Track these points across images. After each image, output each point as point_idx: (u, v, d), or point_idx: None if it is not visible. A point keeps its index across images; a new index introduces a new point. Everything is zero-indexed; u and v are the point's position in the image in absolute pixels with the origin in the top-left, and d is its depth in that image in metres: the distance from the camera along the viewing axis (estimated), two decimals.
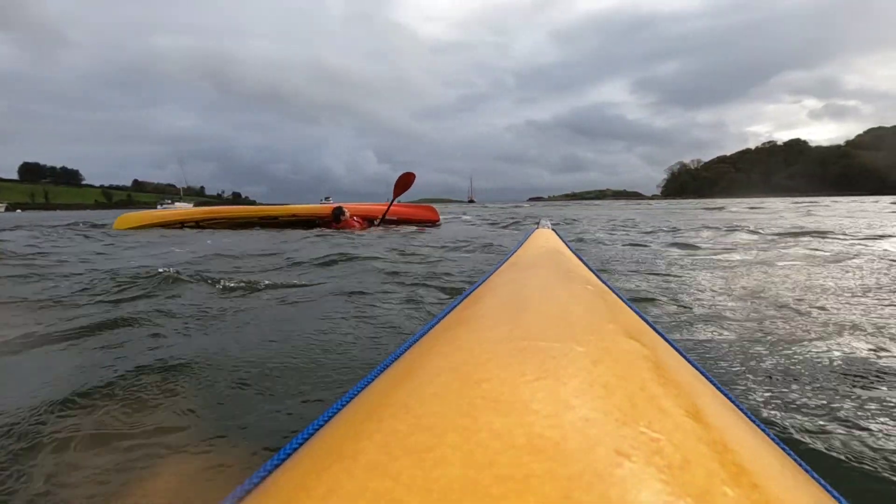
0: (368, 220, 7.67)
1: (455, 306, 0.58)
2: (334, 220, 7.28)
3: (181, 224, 7.70)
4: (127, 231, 7.22)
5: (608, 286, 0.74)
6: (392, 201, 7.74)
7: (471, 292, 0.66)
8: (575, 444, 0.24)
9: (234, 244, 4.86)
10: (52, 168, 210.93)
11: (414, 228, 7.21)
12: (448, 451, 0.24)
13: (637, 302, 2.18)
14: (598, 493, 0.21)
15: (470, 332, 0.42)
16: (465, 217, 12.83)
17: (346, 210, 7.33)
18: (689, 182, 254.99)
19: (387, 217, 7.79)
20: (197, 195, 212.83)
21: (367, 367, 1.29)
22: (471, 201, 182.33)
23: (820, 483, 0.34)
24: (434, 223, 8.48)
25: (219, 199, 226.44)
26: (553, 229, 1.54)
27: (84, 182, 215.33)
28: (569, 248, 1.16)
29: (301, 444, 0.32)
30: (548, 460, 0.23)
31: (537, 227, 1.58)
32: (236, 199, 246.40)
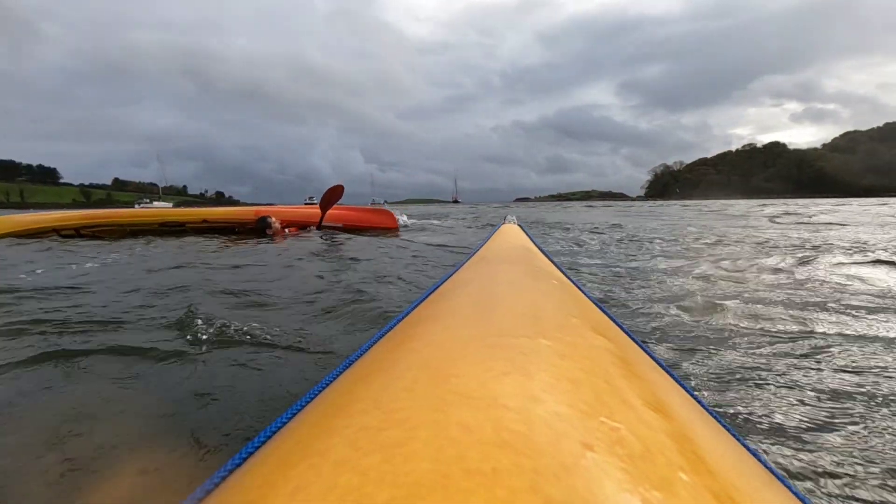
0: (302, 228, 6.62)
1: (423, 300, 0.59)
2: (259, 231, 6.12)
3: (55, 231, 6.05)
4: None
5: (573, 282, 0.76)
6: (323, 214, 6.75)
7: (438, 286, 0.66)
8: (542, 437, 0.25)
9: (73, 274, 2.92)
10: (29, 166, 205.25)
11: (337, 245, 5.04)
12: (418, 446, 0.24)
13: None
14: (565, 484, 0.22)
15: (440, 327, 0.42)
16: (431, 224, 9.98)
17: (273, 220, 6.12)
18: (672, 183, 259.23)
19: (325, 224, 6.77)
20: (178, 194, 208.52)
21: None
22: (455, 202, 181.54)
23: (768, 468, 0.35)
24: (390, 230, 7.18)
25: (201, 199, 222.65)
26: (519, 225, 1.58)
27: (62, 180, 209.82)
28: (534, 243, 1.18)
29: (266, 441, 0.31)
30: (516, 454, 0.23)
31: (504, 223, 1.62)
32: (219, 198, 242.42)
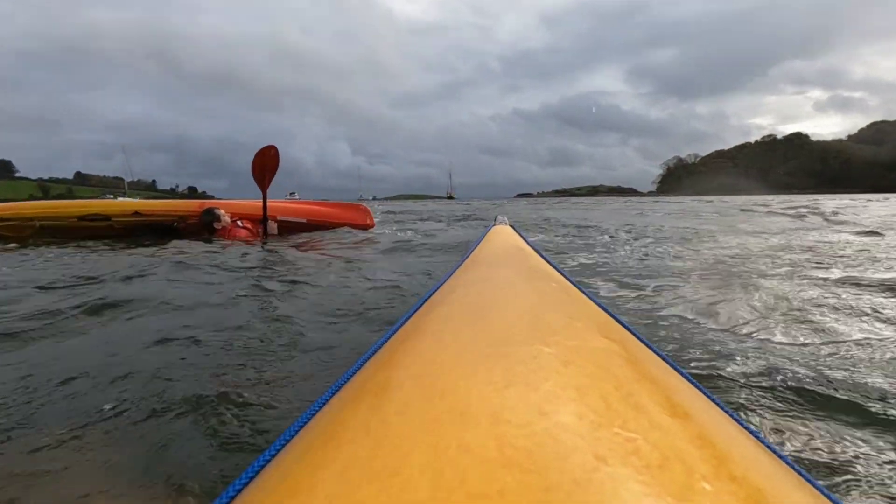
0: (263, 224, 5.15)
1: (415, 311, 0.56)
2: (205, 227, 4.79)
3: None
4: None
5: (572, 282, 0.73)
6: (265, 194, 5.05)
7: (431, 295, 0.63)
8: (550, 452, 0.23)
9: None
10: None
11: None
12: (414, 473, 0.23)
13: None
14: (578, 500, 0.20)
15: (432, 339, 0.41)
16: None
17: (221, 213, 4.79)
18: (685, 178, 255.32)
19: (283, 219, 5.25)
20: (148, 189, 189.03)
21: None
22: (450, 197, 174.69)
23: (795, 469, 0.33)
24: (366, 228, 5.98)
25: (172, 194, 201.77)
26: (511, 225, 1.54)
27: (18, 174, 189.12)
28: (528, 244, 1.15)
29: (249, 481, 0.30)
30: (522, 472, 0.22)
31: (495, 224, 1.58)
32: (192, 193, 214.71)
